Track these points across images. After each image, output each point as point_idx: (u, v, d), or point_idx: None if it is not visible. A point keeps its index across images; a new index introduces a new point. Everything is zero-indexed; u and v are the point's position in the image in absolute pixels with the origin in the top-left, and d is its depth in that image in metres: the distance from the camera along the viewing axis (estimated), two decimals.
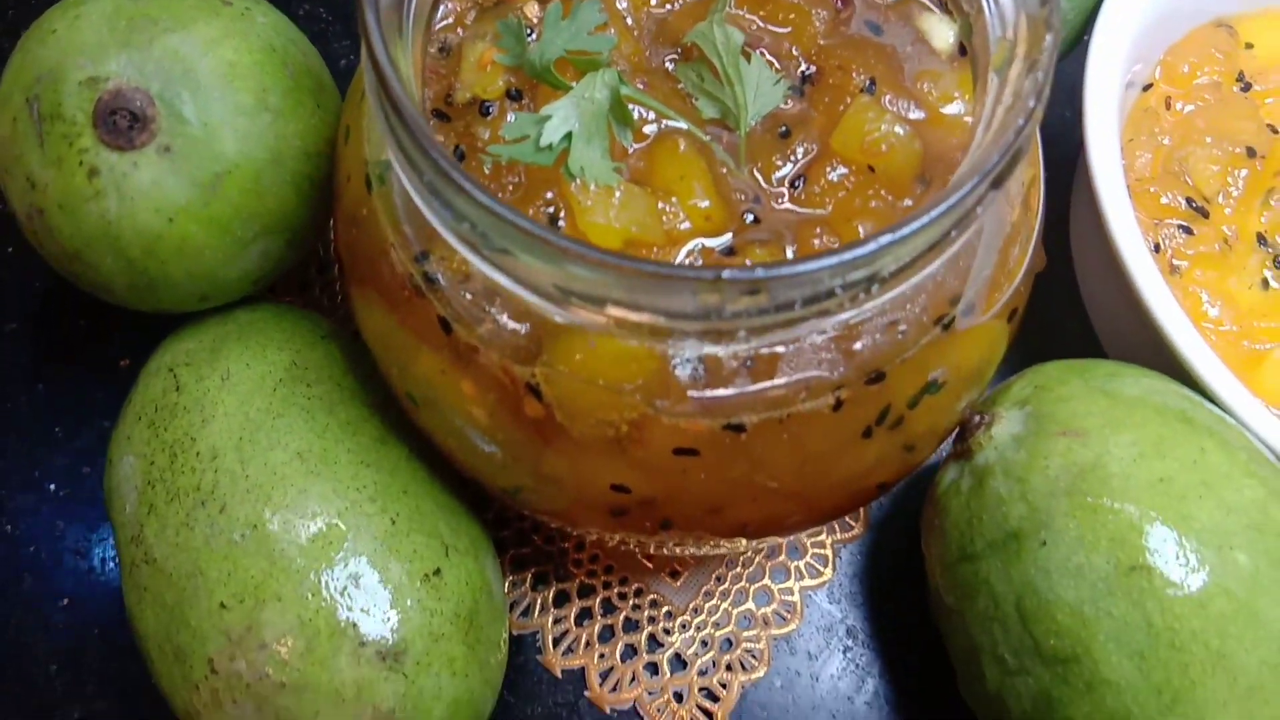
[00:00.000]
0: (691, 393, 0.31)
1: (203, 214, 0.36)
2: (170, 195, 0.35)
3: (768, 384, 0.31)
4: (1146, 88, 0.51)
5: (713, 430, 0.32)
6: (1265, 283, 0.48)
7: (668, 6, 0.38)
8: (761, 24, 0.37)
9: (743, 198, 0.35)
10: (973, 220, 0.29)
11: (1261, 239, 0.48)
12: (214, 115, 0.35)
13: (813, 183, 0.35)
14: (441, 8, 0.38)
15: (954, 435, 0.41)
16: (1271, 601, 0.33)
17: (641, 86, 0.36)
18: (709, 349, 0.31)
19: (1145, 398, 0.37)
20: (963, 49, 0.37)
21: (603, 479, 0.34)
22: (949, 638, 0.40)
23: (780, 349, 0.31)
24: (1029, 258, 0.37)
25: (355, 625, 0.35)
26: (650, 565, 0.47)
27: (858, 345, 0.32)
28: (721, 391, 0.31)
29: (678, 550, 0.45)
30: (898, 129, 0.34)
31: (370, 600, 0.35)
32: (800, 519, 0.38)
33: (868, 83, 0.36)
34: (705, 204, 0.34)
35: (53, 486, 0.49)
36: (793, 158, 0.35)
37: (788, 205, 0.35)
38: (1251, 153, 0.49)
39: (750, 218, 0.34)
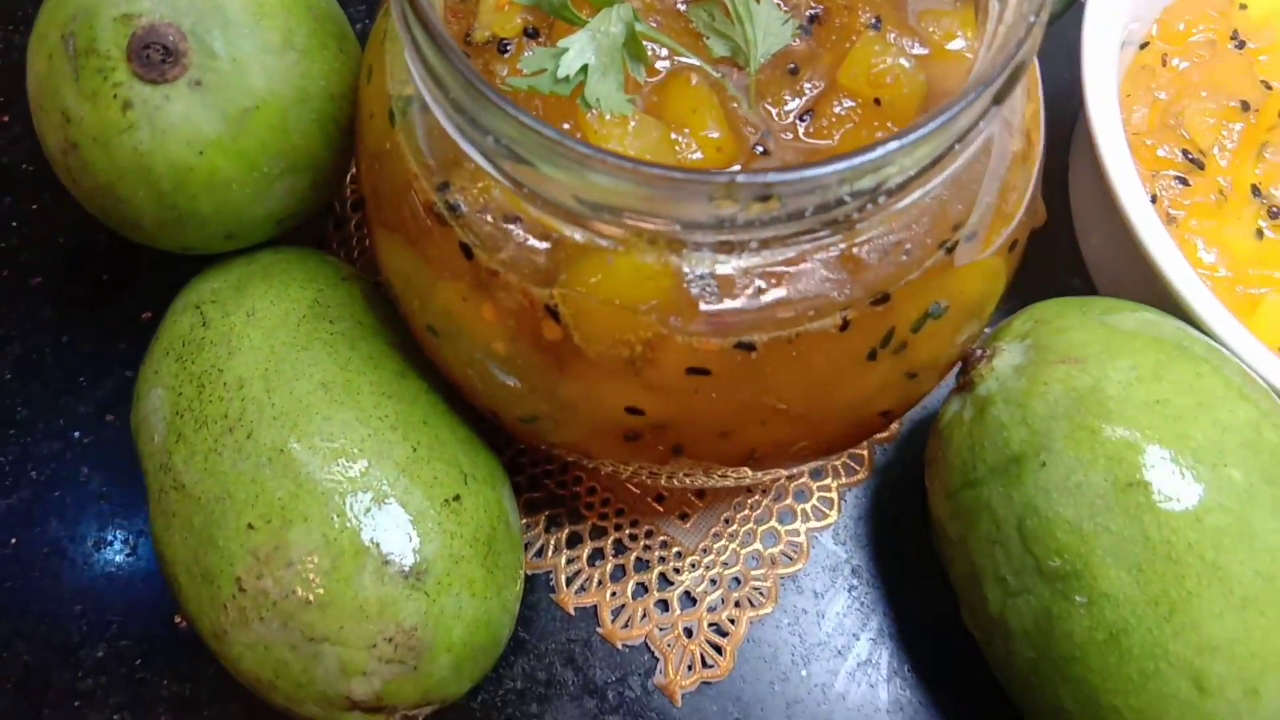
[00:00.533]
0: (704, 309, 0.33)
1: (231, 148, 0.37)
2: (200, 128, 0.37)
3: (777, 301, 0.33)
4: (1144, 46, 0.53)
5: (724, 349, 0.33)
6: (1260, 232, 0.49)
7: None
8: None
9: (753, 131, 0.36)
10: (975, 135, 0.30)
11: (1256, 190, 0.50)
12: (243, 51, 0.37)
13: (820, 116, 0.36)
14: None
15: (957, 371, 0.42)
16: (1264, 515, 0.34)
17: (655, 25, 0.38)
18: (721, 266, 0.32)
19: (1142, 330, 0.38)
20: None
21: (618, 402, 0.36)
22: (951, 566, 0.41)
23: (789, 268, 0.33)
24: (1029, 194, 0.38)
25: (379, 545, 0.36)
26: (661, 509, 0.48)
27: (865, 265, 0.33)
28: (733, 307, 0.33)
29: (688, 481, 0.46)
30: (903, 61, 0.35)
31: (393, 522, 0.37)
32: (806, 446, 0.39)
33: (873, 20, 0.37)
34: (716, 135, 0.35)
35: (77, 434, 0.50)
36: (801, 93, 0.37)
37: (797, 138, 0.36)
38: (1246, 106, 0.50)
39: (760, 150, 0.36)
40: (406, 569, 0.36)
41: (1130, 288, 0.46)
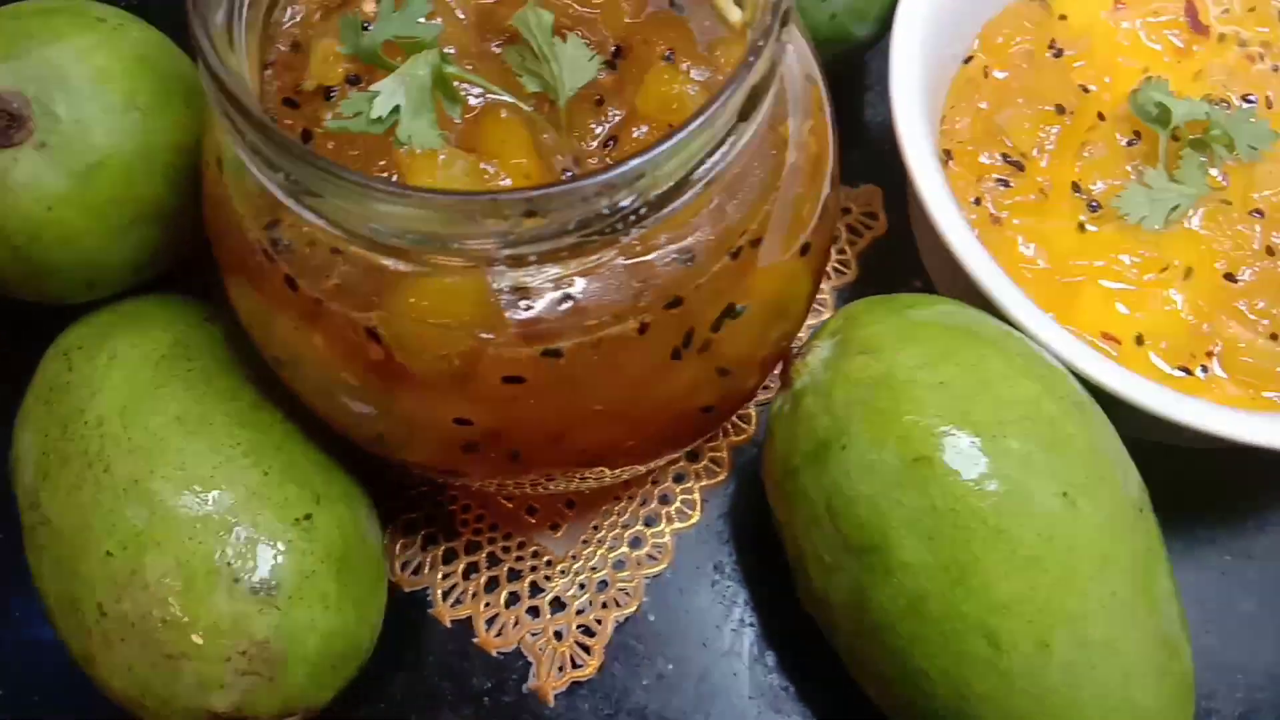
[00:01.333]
0: (511, 320, 0.36)
1: (79, 202, 0.40)
2: (48, 185, 0.40)
3: (578, 309, 0.36)
4: (968, 60, 0.57)
5: (534, 357, 0.36)
6: (1081, 226, 0.53)
7: None
8: (578, 8, 0.42)
9: (561, 159, 0.40)
10: (728, 150, 0.33)
11: (1076, 187, 0.53)
12: (85, 113, 0.40)
13: (623, 142, 0.40)
14: (290, 9, 0.43)
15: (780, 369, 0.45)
16: (1042, 480, 0.37)
17: (470, 67, 0.41)
18: (523, 279, 0.35)
19: (937, 319, 0.42)
20: None
21: (446, 415, 0.38)
22: (786, 552, 0.44)
23: (586, 278, 0.36)
24: (822, 202, 0.42)
25: (230, 565, 0.39)
26: (533, 521, 0.51)
27: (655, 271, 0.36)
28: (537, 317, 0.36)
29: (553, 488, 0.49)
30: (689, 89, 0.39)
31: (243, 542, 0.39)
32: (637, 444, 0.42)
33: (668, 52, 0.41)
34: (525, 163, 0.38)
35: None
36: (606, 121, 0.40)
37: (603, 163, 0.39)
38: (1061, 109, 0.54)
39: (568, 175, 0.39)
40: (257, 585, 0.39)
41: (953, 285, 0.50)
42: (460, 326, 0.36)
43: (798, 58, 0.41)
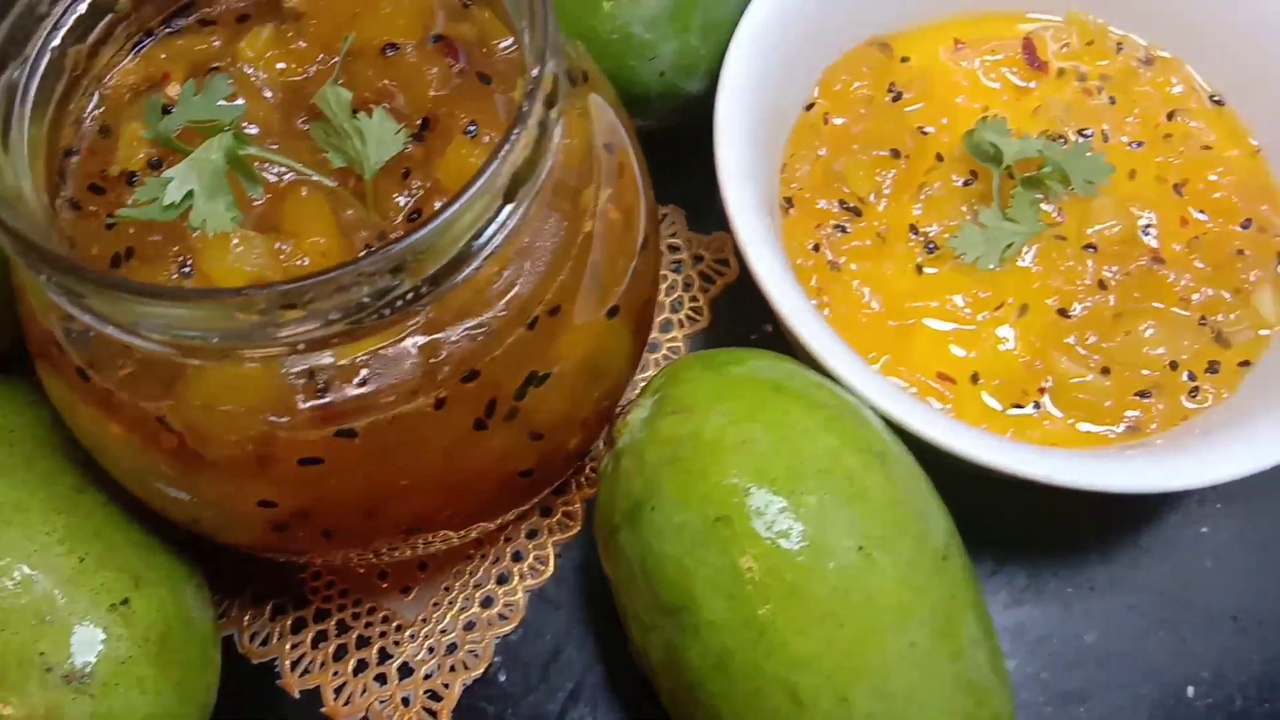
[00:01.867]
0: (302, 404, 0.36)
1: None
2: None
3: (366, 390, 0.36)
4: (809, 107, 0.58)
5: (328, 438, 0.37)
6: (919, 268, 0.54)
7: (302, 75, 0.43)
8: (385, 81, 0.43)
9: (366, 234, 0.40)
10: (496, 231, 0.34)
11: (915, 229, 0.55)
12: None
13: (426, 215, 0.40)
14: (96, 94, 0.43)
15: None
16: (838, 535, 0.38)
17: (274, 146, 0.41)
18: (308, 361, 0.36)
19: (750, 375, 0.42)
20: (572, 78, 0.43)
21: (249, 498, 0.39)
22: (617, 608, 0.44)
23: (376, 357, 0.36)
24: (633, 264, 0.43)
25: (43, 654, 0.39)
26: (384, 585, 0.51)
27: (445, 347, 0.37)
28: (328, 400, 0.36)
29: (396, 555, 0.49)
30: None
31: (56, 631, 0.39)
32: (455, 513, 0.42)
33: (470, 125, 0.41)
34: (322, 241, 0.39)
35: None
36: (411, 194, 0.41)
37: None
38: (896, 154, 0.55)
39: (369, 250, 0.39)
40: (71, 674, 0.39)
41: (789, 332, 0.51)
42: (250, 411, 0.36)
43: (601, 128, 0.42)
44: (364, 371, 0.36)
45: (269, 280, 0.36)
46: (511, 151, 0.33)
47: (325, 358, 0.35)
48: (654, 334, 0.57)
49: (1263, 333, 0.51)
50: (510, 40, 0.43)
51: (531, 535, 0.52)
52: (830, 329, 0.48)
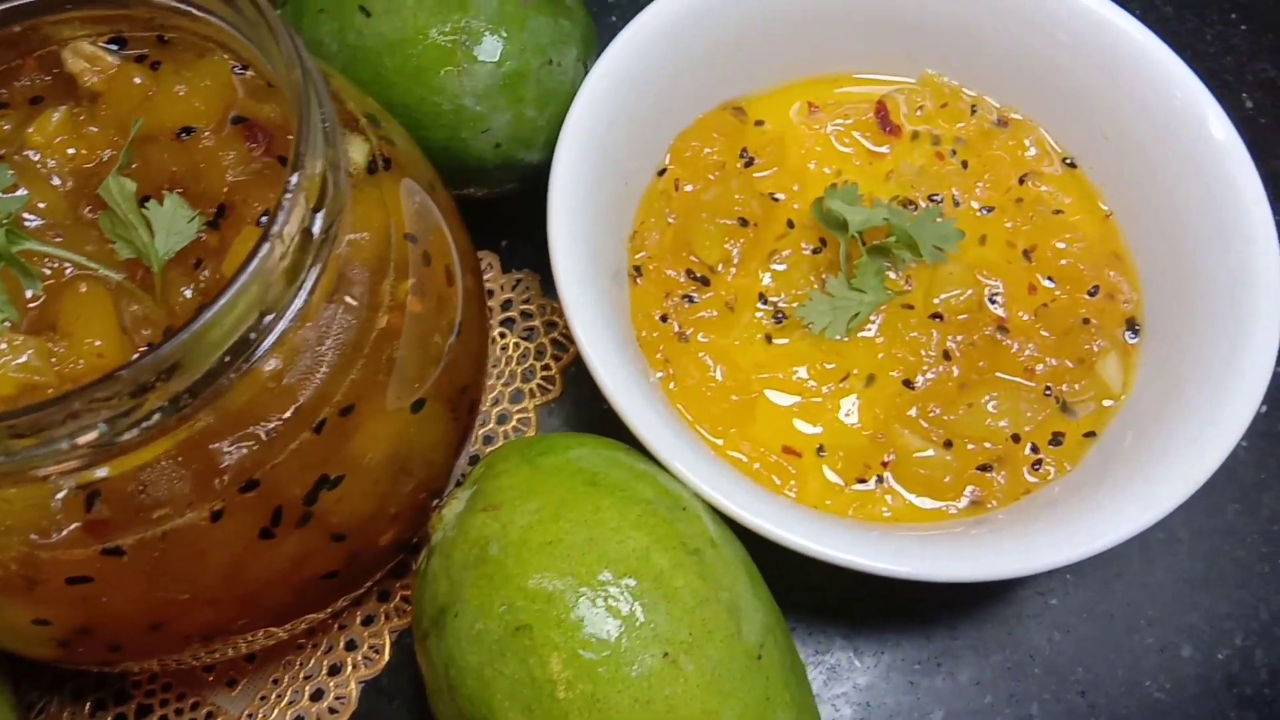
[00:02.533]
0: (64, 524, 0.34)
1: None
2: None
3: (134, 505, 0.34)
4: (662, 172, 0.57)
5: (94, 557, 0.35)
6: (768, 338, 0.53)
7: (95, 160, 0.41)
8: (179, 168, 0.41)
9: (149, 331, 0.38)
10: (261, 337, 0.32)
11: (763, 299, 0.54)
12: None
13: None
14: None
15: None
16: (642, 642, 0.37)
17: (58, 238, 0.39)
18: (70, 478, 0.34)
19: (566, 466, 0.41)
20: (372, 168, 0.41)
21: (23, 616, 0.37)
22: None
23: (142, 473, 0.34)
24: (445, 352, 0.41)
25: None
26: (210, 678, 0.49)
27: (219, 458, 0.35)
28: (91, 518, 0.34)
29: (216, 657, 0.47)
30: None
31: None
32: (253, 620, 0.40)
33: (263, 214, 0.40)
34: (98, 343, 0.37)
35: None
36: (200, 286, 0.39)
37: None
38: (744, 223, 0.54)
39: (148, 349, 0.37)
40: None
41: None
42: (9, 531, 0.34)
43: (406, 217, 0.40)
44: (130, 486, 0.34)
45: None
46: (264, 263, 0.31)
47: (89, 473, 0.34)
48: (504, 405, 0.56)
49: (1107, 403, 0.51)
50: None
51: (368, 622, 0.50)
52: (661, 408, 0.47)
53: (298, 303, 0.33)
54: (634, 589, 0.37)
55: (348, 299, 0.37)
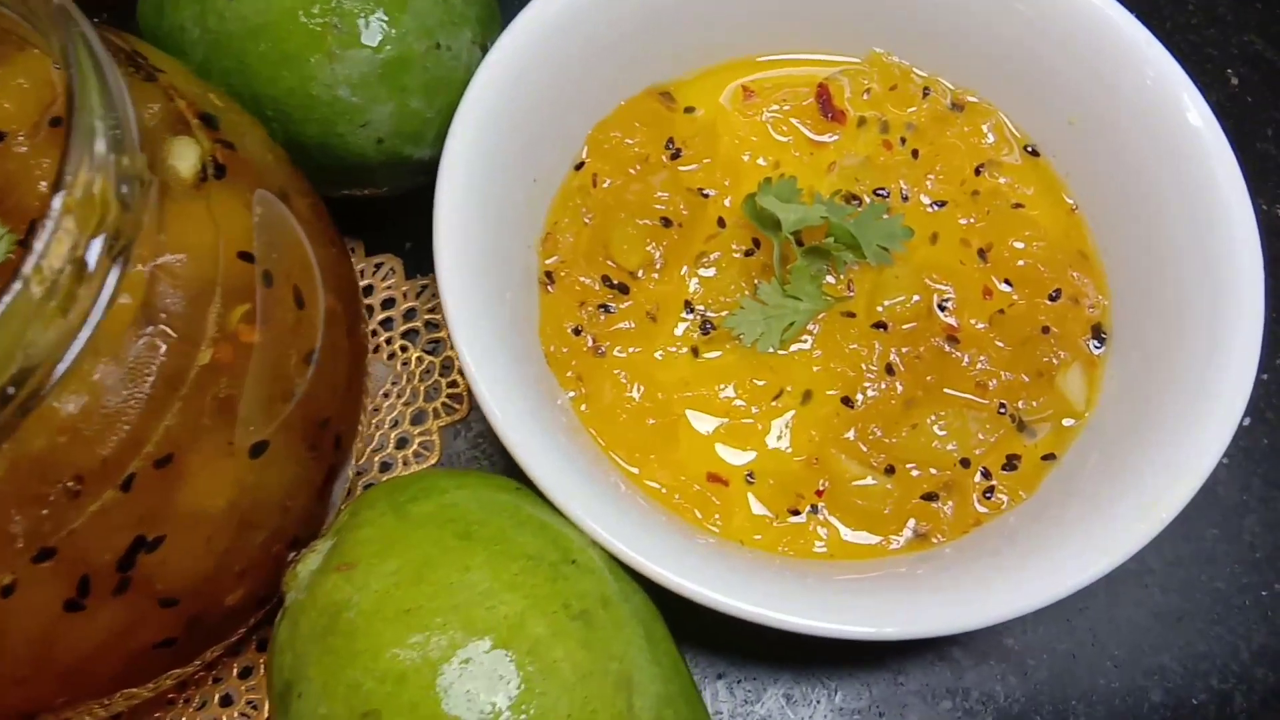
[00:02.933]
0: None
1: None
2: None
3: None
4: (579, 166, 0.51)
5: None
6: (695, 351, 0.48)
7: None
8: None
9: None
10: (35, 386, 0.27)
11: (689, 307, 0.48)
12: None
13: None
14: None
15: None
16: None
17: None
18: None
19: (437, 514, 0.36)
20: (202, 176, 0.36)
21: None
22: None
23: None
24: (301, 383, 0.36)
25: None
26: None
27: (3, 525, 0.30)
28: None
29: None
30: None
31: None
32: (73, 697, 0.35)
33: None
34: None
35: None
36: None
37: None
38: (668, 223, 0.49)
39: None
40: None
41: None
42: None
43: (241, 234, 0.35)
44: None
45: None
46: (17, 301, 0.26)
47: None
48: (405, 427, 0.51)
49: (1068, 422, 0.46)
50: None
51: (245, 674, 0.46)
52: (565, 437, 0.42)
53: (77, 344, 0.28)
54: (503, 665, 0.32)
55: (161, 331, 0.32)
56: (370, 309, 0.52)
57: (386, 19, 0.43)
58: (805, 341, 0.48)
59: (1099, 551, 0.39)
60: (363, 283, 0.52)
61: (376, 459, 0.49)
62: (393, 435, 0.50)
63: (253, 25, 0.43)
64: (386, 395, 0.50)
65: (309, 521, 0.39)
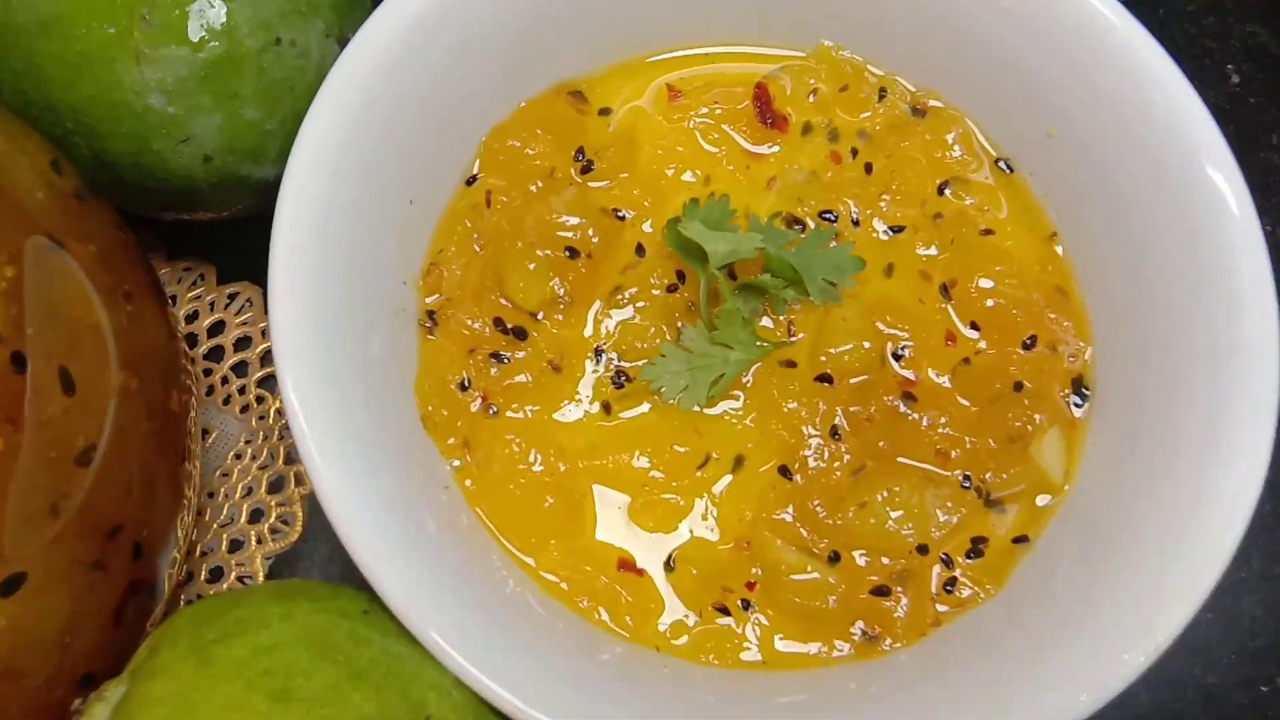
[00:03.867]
0: None
1: None
2: None
3: None
4: (470, 182, 0.43)
5: None
6: (606, 408, 0.40)
7: None
8: None
9: None
10: None
11: (599, 354, 0.41)
12: None
13: None
14: None
15: None
16: None
17: None
18: None
19: (248, 662, 0.28)
20: None
21: None
22: None
23: None
24: (65, 498, 0.28)
25: None
26: None
27: None
28: None
29: None
30: None
31: None
32: None
33: None
34: None
35: None
36: None
37: None
38: (574, 253, 0.41)
39: None
40: None
41: None
42: None
43: None
44: None
45: None
46: None
47: None
48: (260, 494, 0.43)
49: (1042, 500, 0.39)
50: None
51: None
52: (436, 530, 0.35)
53: None
54: None
55: None
56: (220, 351, 0.44)
57: (210, 8, 0.34)
58: (737, 398, 0.40)
59: (1081, 686, 0.32)
60: (212, 318, 0.44)
61: (225, 536, 0.42)
62: (245, 506, 0.42)
63: (43, 17, 0.34)
64: (239, 457, 0.42)
65: (105, 653, 0.31)
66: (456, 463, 0.39)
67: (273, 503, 0.42)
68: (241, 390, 0.43)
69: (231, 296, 0.45)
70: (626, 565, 0.39)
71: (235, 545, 0.42)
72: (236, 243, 0.46)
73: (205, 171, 0.37)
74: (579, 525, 0.39)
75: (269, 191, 0.39)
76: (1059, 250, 0.43)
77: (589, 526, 0.39)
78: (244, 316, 0.44)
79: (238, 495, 0.42)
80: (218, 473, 0.42)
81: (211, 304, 0.44)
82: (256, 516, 0.42)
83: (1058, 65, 0.41)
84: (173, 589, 0.36)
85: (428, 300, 0.41)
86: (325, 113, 0.37)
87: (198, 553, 0.41)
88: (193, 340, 0.44)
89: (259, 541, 0.42)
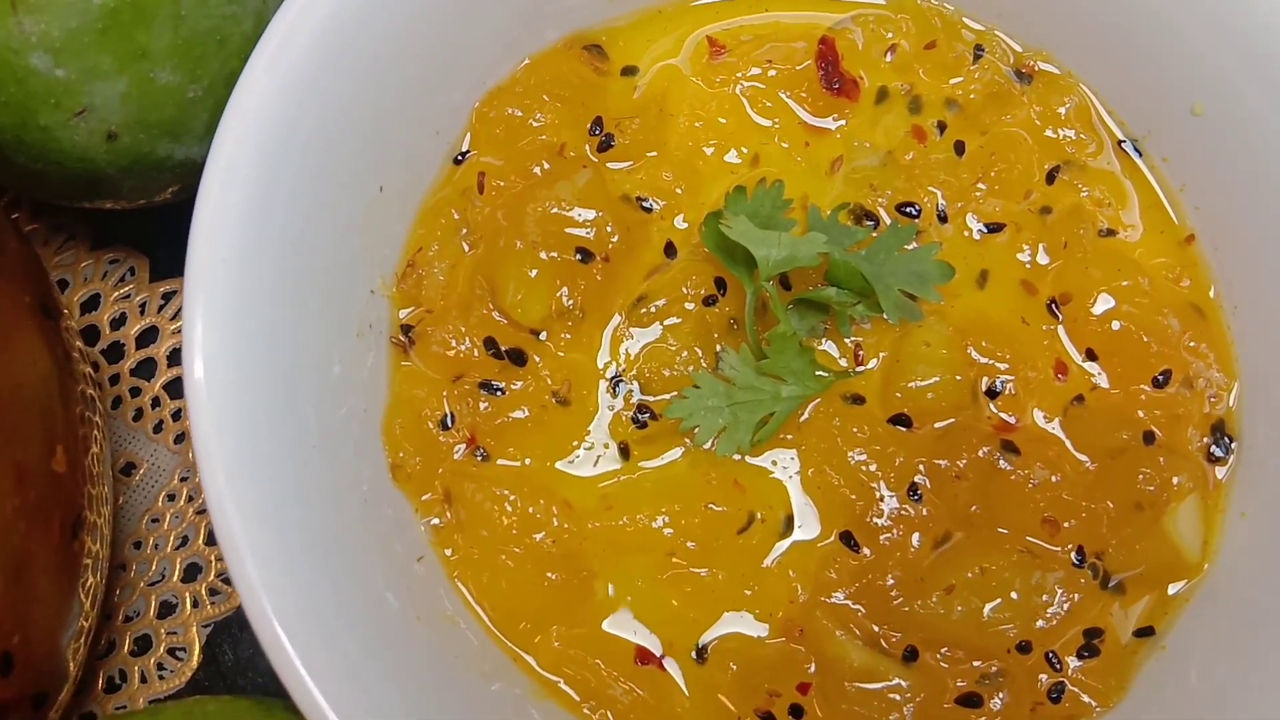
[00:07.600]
0: None
1: None
2: None
3: None
4: (459, 159, 0.36)
5: None
6: (625, 453, 0.34)
7: None
8: None
9: None
10: None
11: (617, 385, 0.34)
12: None
13: None
14: None
15: None
16: None
17: None
18: None
19: None
20: None
21: None
22: None
23: None
24: None
25: None
26: None
27: None
28: None
29: None
30: None
31: None
32: None
33: None
34: None
35: None
36: None
37: None
38: (587, 255, 0.34)
39: None
40: None
41: None
42: None
43: None
44: None
45: None
46: None
47: None
48: (196, 545, 0.36)
49: (1174, 589, 0.32)
50: None
51: None
52: (397, 618, 0.28)
53: None
54: None
55: None
56: (152, 363, 0.37)
57: None
58: (789, 443, 0.34)
59: None
60: (144, 323, 0.38)
61: (154, 598, 0.35)
62: (178, 560, 0.36)
63: None
64: (172, 497, 0.36)
65: None
66: (435, 521, 0.33)
67: (212, 556, 0.36)
68: (176, 416, 0.37)
69: (167, 296, 0.38)
70: (645, 656, 0.32)
71: (166, 609, 0.35)
72: (174, 228, 0.39)
73: (110, 152, 0.30)
74: (587, 607, 0.33)
75: (195, 175, 0.32)
76: (1198, 257, 0.36)
77: (599, 608, 0.32)
78: (180, 323, 0.37)
79: (169, 546, 0.36)
80: (146, 517, 0.36)
81: (142, 306, 0.38)
82: (192, 573, 0.36)
83: (1210, 27, 0.34)
84: (82, 666, 0.29)
85: (402, 314, 0.35)
86: (266, 73, 0.30)
87: (120, 618, 0.35)
88: (117, 352, 0.37)
89: (195, 605, 0.35)
